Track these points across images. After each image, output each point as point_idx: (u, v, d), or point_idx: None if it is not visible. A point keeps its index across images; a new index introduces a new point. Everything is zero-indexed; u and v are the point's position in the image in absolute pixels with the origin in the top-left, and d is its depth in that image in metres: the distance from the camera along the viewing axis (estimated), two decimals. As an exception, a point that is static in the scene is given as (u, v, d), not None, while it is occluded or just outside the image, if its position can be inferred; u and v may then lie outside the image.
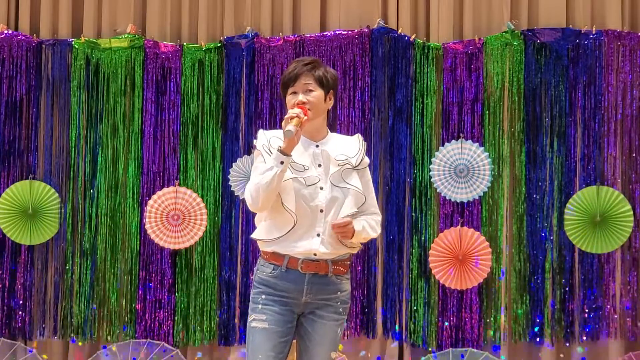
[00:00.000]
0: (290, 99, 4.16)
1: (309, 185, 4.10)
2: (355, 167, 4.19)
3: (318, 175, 4.13)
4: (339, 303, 4.16)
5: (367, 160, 4.26)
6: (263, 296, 4.13)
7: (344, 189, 4.13)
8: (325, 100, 4.19)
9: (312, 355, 4.14)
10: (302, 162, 4.13)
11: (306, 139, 4.18)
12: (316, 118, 4.16)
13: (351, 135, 4.41)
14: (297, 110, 4.04)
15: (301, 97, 4.13)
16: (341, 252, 4.15)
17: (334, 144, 4.22)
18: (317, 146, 4.19)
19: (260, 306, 4.12)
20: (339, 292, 4.16)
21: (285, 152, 4.01)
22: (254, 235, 4.23)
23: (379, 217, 4.26)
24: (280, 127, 4.08)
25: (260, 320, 4.11)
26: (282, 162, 4.00)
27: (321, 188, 4.12)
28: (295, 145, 4.02)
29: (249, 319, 4.14)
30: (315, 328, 4.15)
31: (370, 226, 4.18)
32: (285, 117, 4.02)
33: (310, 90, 4.15)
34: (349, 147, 4.23)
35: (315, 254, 4.10)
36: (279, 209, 4.10)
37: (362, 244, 4.31)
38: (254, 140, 4.20)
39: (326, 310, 4.15)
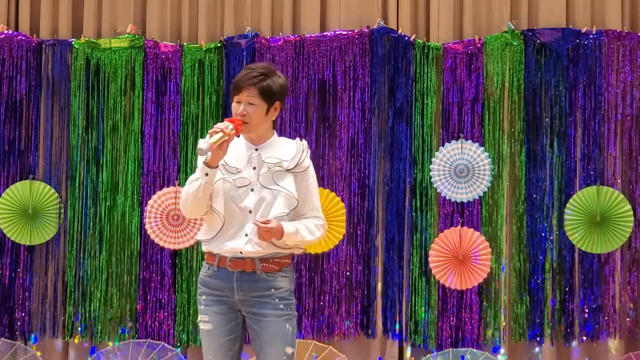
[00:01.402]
0: (234, 107, 4.24)
1: (240, 187, 4.20)
2: (290, 170, 4.24)
3: (249, 178, 4.21)
4: (276, 300, 4.20)
5: (306, 164, 4.27)
6: (203, 297, 4.27)
7: (274, 191, 4.20)
8: (268, 112, 4.24)
9: (266, 353, 4.19)
10: (237, 164, 4.23)
11: (248, 143, 4.28)
12: (256, 130, 4.24)
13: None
14: (222, 125, 4.10)
15: (242, 109, 4.20)
16: (272, 250, 4.20)
17: (273, 148, 4.28)
18: (257, 150, 4.26)
19: (202, 307, 4.27)
20: (272, 290, 4.20)
21: (210, 164, 4.11)
22: (196, 236, 4.31)
23: (321, 221, 4.30)
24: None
25: (204, 321, 4.26)
26: (206, 174, 4.12)
27: (252, 190, 4.21)
28: (221, 157, 4.12)
29: (198, 319, 4.31)
30: (262, 326, 4.20)
31: (308, 229, 4.23)
32: (210, 131, 4.10)
33: (252, 104, 4.21)
34: (287, 150, 4.28)
35: (241, 252, 4.19)
36: (210, 211, 4.23)
37: (304, 247, 4.36)
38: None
39: (264, 307, 4.19)
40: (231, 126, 4.11)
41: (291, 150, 4.27)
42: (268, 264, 4.21)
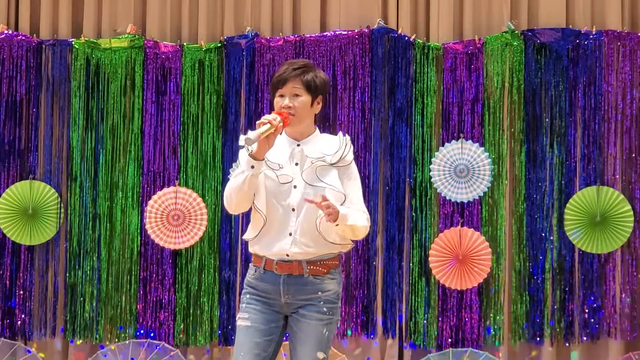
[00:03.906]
0: (277, 101, 4.16)
1: (283, 184, 4.11)
2: (334, 164, 4.15)
3: (292, 174, 4.12)
4: (322, 303, 4.13)
5: (349, 158, 4.19)
6: (247, 296, 4.19)
7: (319, 188, 4.10)
8: (312, 105, 4.18)
9: (298, 354, 4.12)
10: (279, 160, 4.13)
11: (289, 138, 4.19)
12: (301, 123, 4.16)
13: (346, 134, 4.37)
14: (271, 117, 4.02)
15: (287, 102, 4.12)
16: (319, 251, 4.13)
17: (316, 143, 4.19)
18: (298, 145, 4.18)
19: (244, 305, 4.18)
20: (320, 292, 4.13)
21: (256, 156, 4.01)
22: (243, 237, 4.29)
23: (366, 215, 4.18)
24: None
25: (243, 318, 4.16)
26: (252, 167, 4.01)
27: (295, 187, 4.12)
28: (267, 149, 4.01)
29: (237, 317, 4.22)
30: (300, 327, 4.13)
31: (357, 214, 4.10)
32: (258, 121, 4.01)
33: (297, 95, 4.14)
34: (330, 145, 4.19)
35: (287, 255, 4.11)
36: (254, 210, 4.15)
37: (354, 241, 4.28)
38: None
39: (308, 309, 4.12)
40: (279, 118, 4.02)
41: (334, 144, 4.18)
42: (315, 266, 4.13)
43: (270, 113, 4.07)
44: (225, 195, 4.14)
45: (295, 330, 4.14)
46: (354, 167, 4.22)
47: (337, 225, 4.03)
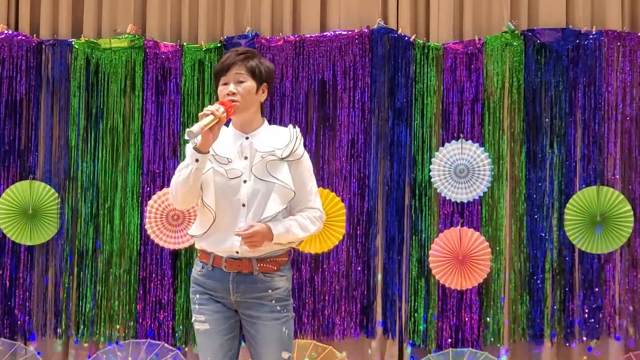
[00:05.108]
0: (221, 90, 4.05)
1: (232, 179, 4.00)
2: (284, 158, 4.05)
3: (242, 169, 4.02)
4: (273, 301, 4.04)
5: (300, 151, 4.09)
6: (197, 295, 4.08)
7: (269, 183, 4.00)
8: (257, 92, 4.07)
9: (261, 356, 4.04)
10: (227, 154, 4.02)
11: (237, 132, 4.09)
12: (247, 110, 4.05)
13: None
14: (214, 107, 3.90)
15: (232, 88, 4.02)
16: (268, 248, 4.02)
17: (265, 136, 4.08)
18: (247, 138, 4.08)
19: (197, 306, 4.07)
20: (270, 290, 4.03)
21: (200, 149, 3.89)
22: (189, 232, 4.18)
23: (317, 213, 4.11)
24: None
25: (200, 321, 4.06)
26: (197, 160, 3.89)
27: (244, 181, 4.01)
28: (211, 142, 3.90)
29: (192, 319, 4.11)
30: (258, 330, 4.04)
31: (300, 226, 4.03)
32: (200, 113, 3.90)
33: (241, 82, 4.04)
34: (280, 138, 4.09)
35: (237, 252, 4.01)
36: (202, 205, 4.03)
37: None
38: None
39: (261, 310, 4.04)
40: (222, 109, 3.90)
41: (284, 137, 4.08)
42: (265, 264, 4.03)
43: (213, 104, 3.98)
44: (170, 189, 4.02)
45: (253, 334, 4.05)
46: (305, 161, 4.12)
47: (274, 242, 3.97)
